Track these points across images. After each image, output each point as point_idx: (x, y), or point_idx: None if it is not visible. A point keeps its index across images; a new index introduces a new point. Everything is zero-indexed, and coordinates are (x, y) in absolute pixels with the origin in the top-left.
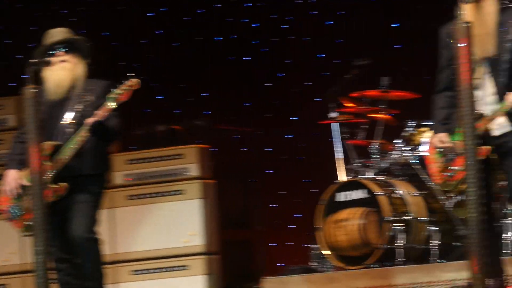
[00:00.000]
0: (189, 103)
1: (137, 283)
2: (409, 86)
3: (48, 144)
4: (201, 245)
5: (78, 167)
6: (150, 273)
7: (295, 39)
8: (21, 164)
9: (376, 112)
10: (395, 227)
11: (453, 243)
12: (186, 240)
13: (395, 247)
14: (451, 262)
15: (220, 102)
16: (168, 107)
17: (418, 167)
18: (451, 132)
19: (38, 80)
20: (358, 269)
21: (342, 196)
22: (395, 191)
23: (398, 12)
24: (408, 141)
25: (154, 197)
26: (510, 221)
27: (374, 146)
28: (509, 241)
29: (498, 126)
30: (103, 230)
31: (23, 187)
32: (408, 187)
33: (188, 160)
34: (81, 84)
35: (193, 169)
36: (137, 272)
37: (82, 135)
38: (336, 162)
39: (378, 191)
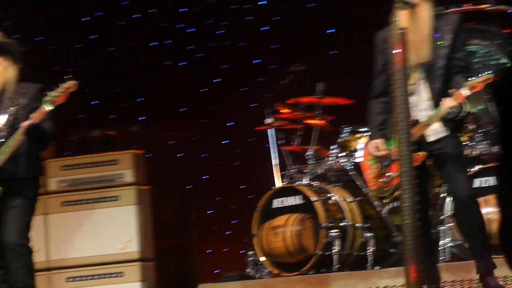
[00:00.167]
0: (124, 108)
1: None
2: (343, 92)
3: None
4: (137, 251)
5: (13, 171)
6: (85, 280)
7: (230, 44)
8: None
9: (312, 118)
10: (331, 234)
11: (389, 250)
12: (122, 246)
13: (331, 253)
14: (388, 268)
15: (156, 107)
16: (103, 112)
17: (353, 173)
18: (386, 138)
19: None
20: (294, 275)
21: (278, 203)
22: (330, 197)
23: (333, 18)
24: (344, 147)
25: (89, 203)
26: (446, 228)
27: (310, 152)
28: (445, 248)
29: (433, 132)
30: (37, 237)
31: None
32: (343, 193)
33: (123, 166)
34: (12, 87)
35: (128, 175)
36: (72, 279)
37: (17, 138)
38: (272, 168)
39: (313, 197)
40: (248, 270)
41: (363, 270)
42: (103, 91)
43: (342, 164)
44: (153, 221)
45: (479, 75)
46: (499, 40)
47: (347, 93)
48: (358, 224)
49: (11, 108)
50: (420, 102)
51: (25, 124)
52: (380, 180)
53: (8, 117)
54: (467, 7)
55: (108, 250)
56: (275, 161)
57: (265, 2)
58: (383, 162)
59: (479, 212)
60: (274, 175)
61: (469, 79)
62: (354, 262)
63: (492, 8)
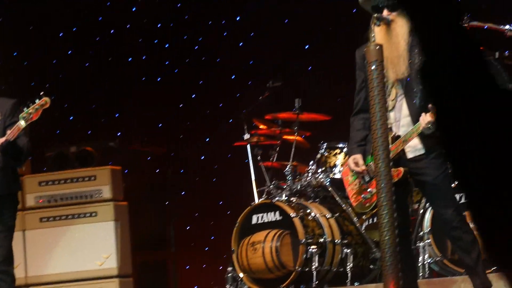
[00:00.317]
0: (101, 124)
1: None
2: (321, 108)
3: None
4: (115, 267)
5: None
6: None
7: (207, 60)
8: None
9: (289, 134)
10: (310, 250)
11: (369, 266)
12: (100, 262)
13: (311, 269)
14: (367, 284)
15: (132, 123)
16: (79, 128)
17: (332, 189)
18: (366, 154)
19: None
20: None
21: (257, 219)
22: (309, 213)
23: (309, 33)
24: (322, 163)
25: (67, 219)
26: (425, 244)
27: (288, 168)
28: (425, 264)
29: (412, 149)
30: (15, 253)
31: None
32: (322, 209)
33: (101, 182)
34: None
35: (106, 191)
36: None
37: None
38: (251, 184)
39: (292, 213)
40: (227, 286)
41: (342, 286)
42: (80, 107)
43: (320, 180)
44: (131, 237)
45: None
46: None
47: (324, 109)
48: (337, 240)
49: None
50: (401, 118)
51: (1, 141)
52: (361, 196)
53: None
54: None
55: (87, 266)
56: (252, 177)
57: (241, 18)
58: (364, 178)
59: (469, 230)
60: (253, 191)
61: None
62: (333, 278)
63: (467, 24)
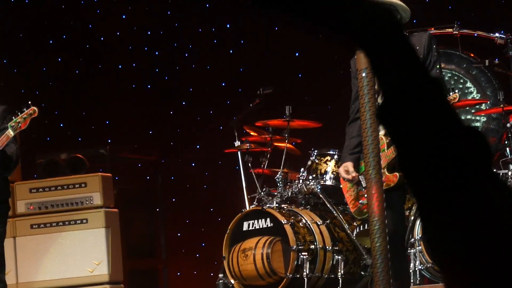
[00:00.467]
0: (92, 131)
1: None
2: (311, 116)
3: None
4: (106, 274)
5: None
6: None
7: (197, 67)
8: None
9: (280, 141)
10: (301, 256)
11: (360, 272)
12: (91, 269)
13: (302, 276)
14: None
15: (123, 130)
16: (70, 135)
17: (322, 196)
18: (359, 161)
19: None
20: None
21: (247, 225)
22: (300, 220)
23: (300, 41)
24: (312, 170)
25: (57, 226)
26: (416, 250)
27: (279, 175)
28: (416, 271)
29: None
30: (6, 260)
31: None
32: (313, 216)
33: (91, 189)
34: None
35: (97, 198)
36: None
37: None
38: (242, 190)
39: (283, 220)
40: None
41: None
42: (70, 114)
43: (311, 187)
44: (122, 244)
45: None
46: (464, 64)
47: (315, 116)
48: (328, 247)
49: None
50: None
51: None
52: (359, 202)
53: None
54: (432, 31)
55: (78, 272)
56: (243, 184)
57: (231, 26)
58: (361, 184)
59: None
60: (243, 198)
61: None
62: (324, 285)
63: (457, 32)
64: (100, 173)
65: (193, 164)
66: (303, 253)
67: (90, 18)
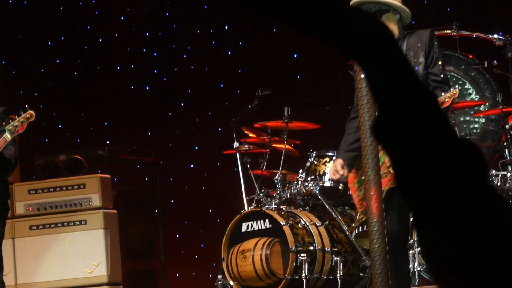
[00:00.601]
0: (90, 132)
1: None
2: (309, 117)
3: None
4: (105, 275)
5: None
6: None
7: (196, 68)
8: None
9: (278, 142)
10: (300, 258)
11: (358, 274)
12: (90, 270)
13: (301, 277)
14: None
15: (122, 131)
16: (69, 136)
17: (321, 197)
18: (354, 158)
19: None
20: None
21: (246, 227)
22: (299, 221)
23: (299, 42)
24: (311, 171)
25: (56, 227)
26: (414, 252)
27: (277, 176)
28: (415, 272)
29: None
30: (5, 261)
31: None
32: (312, 218)
33: (90, 190)
34: None
35: (95, 199)
36: None
37: None
38: (240, 192)
39: (282, 221)
40: None
41: None
42: (69, 115)
43: (310, 188)
44: (121, 245)
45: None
46: (463, 65)
47: (313, 117)
48: (327, 248)
49: None
50: None
51: None
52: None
53: None
54: None
55: (77, 274)
56: (242, 185)
57: (229, 27)
58: None
59: None
60: (242, 199)
61: (449, 90)
62: (323, 286)
63: (456, 33)
64: (98, 174)
65: (192, 166)
66: (301, 255)
67: (88, 19)
